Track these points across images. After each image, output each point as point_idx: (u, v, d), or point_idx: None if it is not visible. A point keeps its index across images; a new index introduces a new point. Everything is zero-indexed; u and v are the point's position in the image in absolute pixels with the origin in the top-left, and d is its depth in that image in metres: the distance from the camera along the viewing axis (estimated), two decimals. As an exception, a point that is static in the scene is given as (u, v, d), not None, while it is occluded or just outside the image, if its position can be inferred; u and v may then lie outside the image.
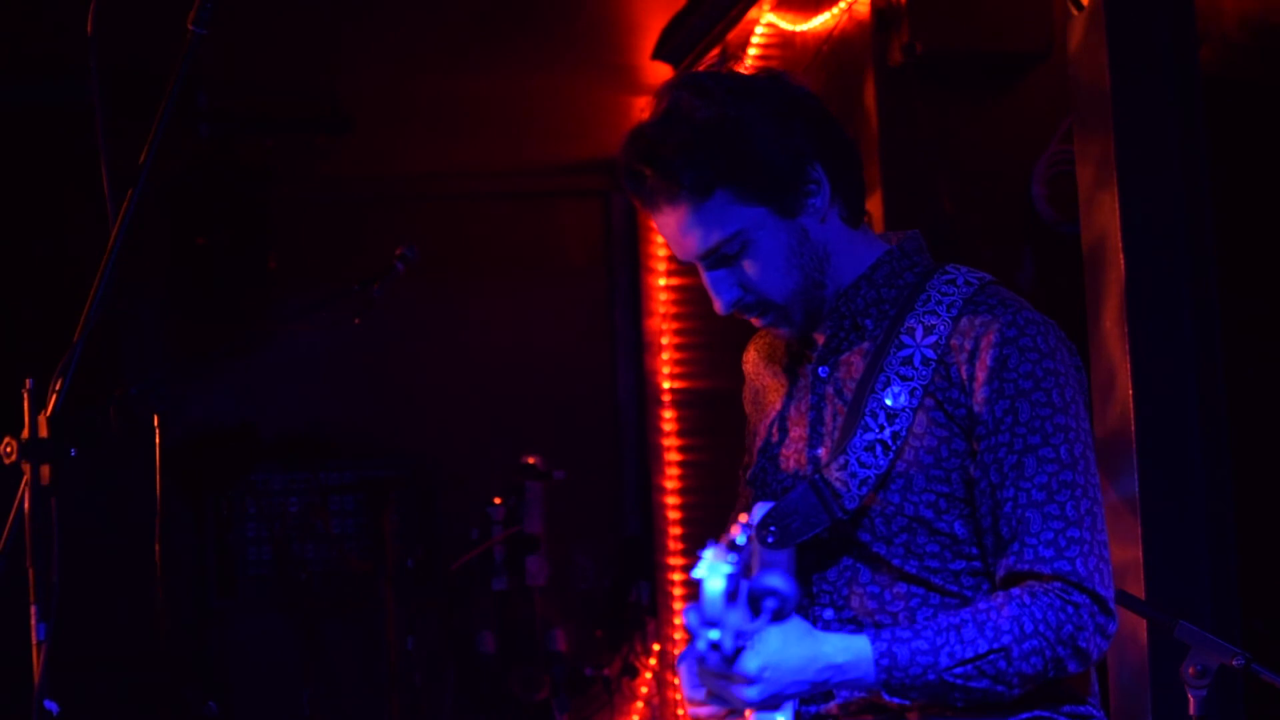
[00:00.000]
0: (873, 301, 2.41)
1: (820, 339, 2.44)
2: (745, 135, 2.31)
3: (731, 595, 1.86)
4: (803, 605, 2.36)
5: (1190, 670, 2.83)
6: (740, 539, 1.94)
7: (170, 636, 3.07)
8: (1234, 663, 2.82)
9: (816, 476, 2.32)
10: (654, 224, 2.43)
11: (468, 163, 6.86)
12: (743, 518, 2.01)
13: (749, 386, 2.62)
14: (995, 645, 2.23)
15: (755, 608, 1.91)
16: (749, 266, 2.37)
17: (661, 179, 2.33)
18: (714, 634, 1.85)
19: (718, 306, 2.42)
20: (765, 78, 2.40)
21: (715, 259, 2.38)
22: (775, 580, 1.90)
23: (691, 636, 1.88)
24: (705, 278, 2.42)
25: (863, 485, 2.30)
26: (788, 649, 2.22)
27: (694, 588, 1.88)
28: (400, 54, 6.40)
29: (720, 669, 2.17)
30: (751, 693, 2.19)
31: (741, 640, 1.91)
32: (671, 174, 2.32)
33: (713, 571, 1.86)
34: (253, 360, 6.45)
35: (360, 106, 6.52)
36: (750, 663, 2.18)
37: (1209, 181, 3.73)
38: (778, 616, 1.91)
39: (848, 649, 2.25)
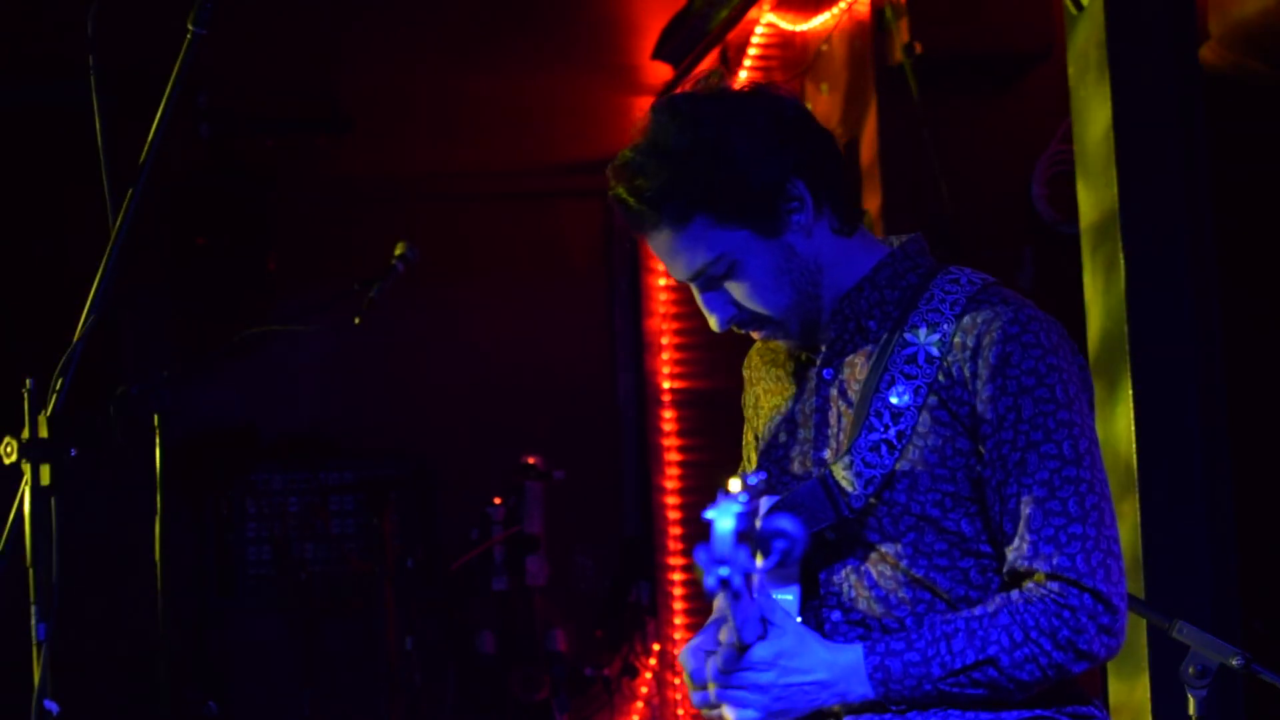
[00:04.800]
0: (876, 303, 2.41)
1: (823, 342, 2.44)
2: (722, 160, 2.32)
3: (741, 535, 1.87)
4: (810, 606, 2.36)
5: (1190, 670, 2.83)
6: (753, 479, 1.94)
7: (170, 636, 3.07)
8: (1234, 663, 2.82)
9: (826, 472, 2.33)
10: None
11: (468, 163, 6.86)
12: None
13: (750, 390, 2.62)
14: (982, 657, 2.25)
15: (764, 548, 1.92)
16: (739, 286, 2.38)
17: (642, 207, 2.35)
18: (723, 570, 1.86)
19: (713, 325, 2.44)
20: (747, 94, 2.40)
21: (704, 280, 2.40)
22: (785, 522, 1.91)
23: (701, 573, 1.89)
24: (699, 298, 2.44)
25: (869, 485, 2.31)
26: (803, 643, 2.25)
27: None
28: (400, 54, 6.42)
29: (733, 663, 2.19)
30: (767, 678, 2.22)
31: (745, 583, 1.92)
32: (650, 202, 2.34)
33: (723, 511, 1.87)
34: (253, 360, 6.44)
35: (360, 106, 6.53)
36: (766, 650, 2.21)
37: (1209, 181, 3.74)
38: (786, 558, 1.91)
39: (845, 659, 2.28)
